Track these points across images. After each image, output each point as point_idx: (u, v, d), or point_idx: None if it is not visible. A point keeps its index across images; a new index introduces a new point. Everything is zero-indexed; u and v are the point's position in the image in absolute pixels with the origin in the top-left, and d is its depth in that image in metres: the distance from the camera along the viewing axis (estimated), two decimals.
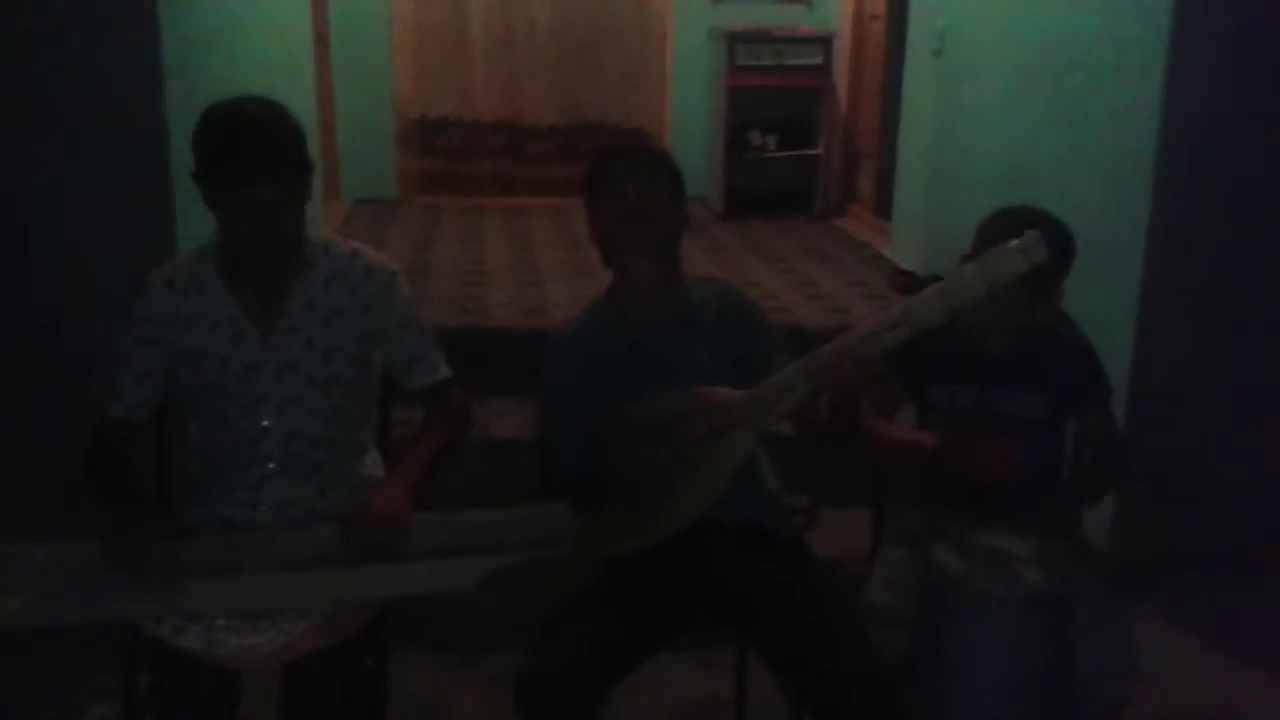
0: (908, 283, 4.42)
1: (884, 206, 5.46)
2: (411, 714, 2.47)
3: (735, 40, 5.77)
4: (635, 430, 1.83)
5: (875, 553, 2.25)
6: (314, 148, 4.97)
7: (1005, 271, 1.63)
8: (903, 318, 1.70)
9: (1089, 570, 2.07)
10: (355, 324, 1.92)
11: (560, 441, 2.02)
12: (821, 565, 2.05)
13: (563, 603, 1.94)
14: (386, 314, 1.94)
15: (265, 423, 1.90)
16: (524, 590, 1.83)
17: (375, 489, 1.84)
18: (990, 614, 1.89)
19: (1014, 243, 1.63)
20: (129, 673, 1.89)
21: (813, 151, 6.13)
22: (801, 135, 6.16)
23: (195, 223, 2.32)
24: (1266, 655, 2.80)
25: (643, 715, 2.43)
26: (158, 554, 1.73)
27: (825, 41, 5.93)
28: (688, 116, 6.28)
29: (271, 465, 1.92)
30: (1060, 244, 2.06)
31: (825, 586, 1.97)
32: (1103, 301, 2.91)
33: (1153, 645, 2.70)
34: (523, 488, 2.21)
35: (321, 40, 5.39)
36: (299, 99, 4.43)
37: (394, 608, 1.96)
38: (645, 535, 1.81)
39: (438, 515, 1.90)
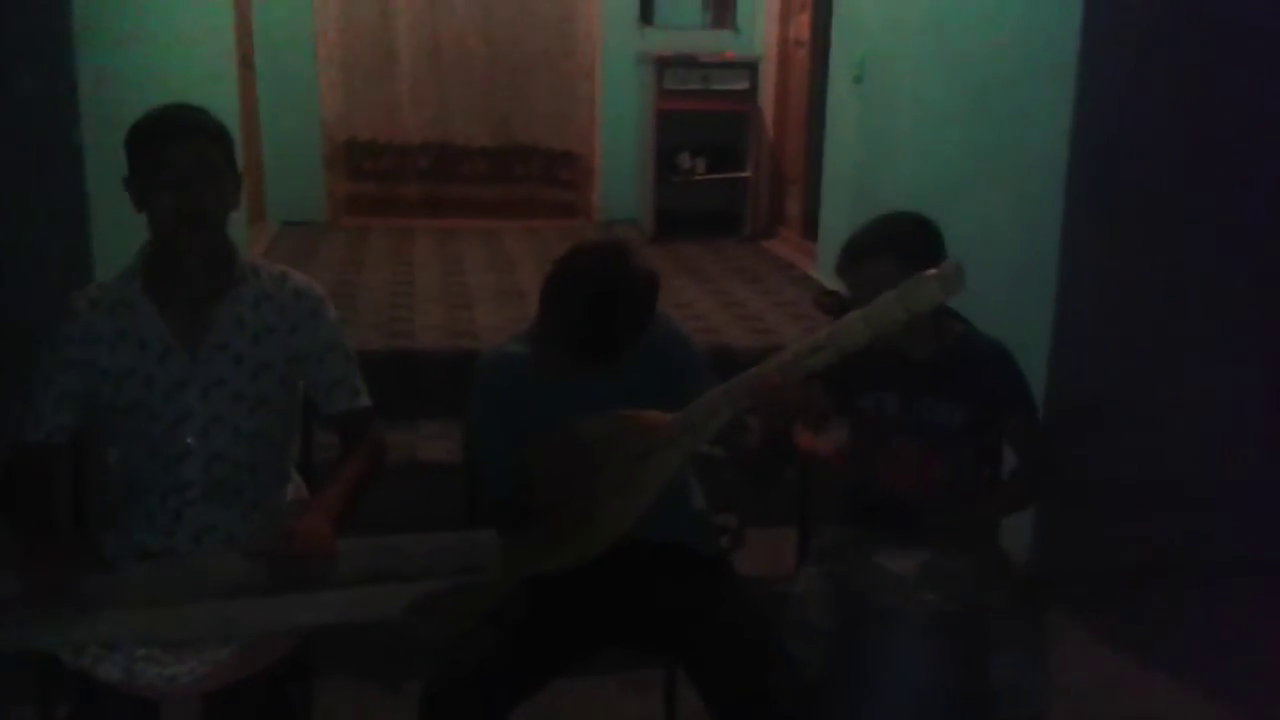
0: (833, 303, 4.48)
1: (811, 229, 5.54)
2: None
3: (663, 65, 5.82)
4: (557, 450, 1.85)
5: (798, 569, 2.27)
6: (238, 159, 4.88)
7: (924, 299, 1.69)
8: (827, 340, 1.75)
9: (1003, 585, 2.10)
10: (284, 344, 1.92)
11: (487, 468, 2.03)
12: (746, 584, 2.07)
13: (479, 618, 1.95)
14: (314, 337, 1.94)
15: (189, 440, 1.88)
16: (450, 615, 1.82)
17: (297, 518, 1.82)
18: (896, 631, 1.91)
19: (932, 271, 1.69)
20: (48, 702, 1.84)
21: (741, 174, 6.20)
22: (730, 159, 6.24)
23: (112, 246, 2.29)
24: (1187, 666, 2.86)
25: None
26: (76, 584, 1.69)
27: (751, 67, 6.02)
28: (617, 139, 6.33)
29: (193, 490, 1.89)
30: (924, 226, 2.21)
31: (748, 606, 1.99)
32: (1018, 320, 2.99)
33: (1074, 658, 2.76)
34: (450, 511, 2.20)
35: (246, 62, 5.34)
36: (224, 119, 4.38)
37: (318, 635, 1.94)
38: (566, 555, 1.81)
39: (363, 540, 1.88)
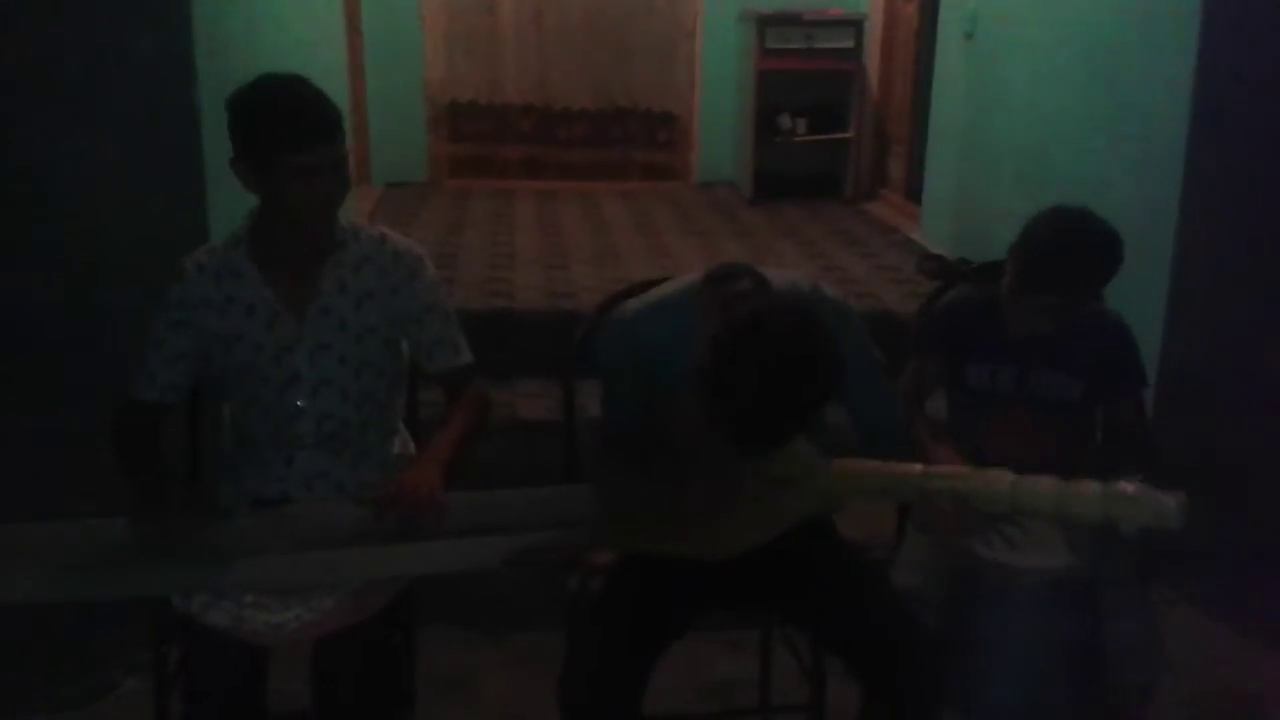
0: (937, 267, 4.40)
1: (914, 191, 5.44)
2: (439, 690, 2.50)
3: (765, 23, 5.74)
4: (702, 440, 1.75)
5: (900, 537, 2.25)
6: (347, 131, 4.98)
7: (1130, 516, 1.60)
8: (1010, 497, 1.65)
9: (1115, 553, 2.06)
10: (385, 306, 1.95)
11: (619, 405, 2.00)
12: (851, 545, 2.06)
13: (595, 590, 1.96)
14: (413, 297, 1.96)
15: (300, 403, 1.94)
16: (548, 567, 1.84)
17: (408, 470, 1.85)
18: (1019, 596, 1.90)
19: (1156, 498, 1.58)
20: (159, 648, 1.92)
21: (843, 135, 6.10)
22: (831, 119, 6.14)
23: (227, 210, 2.34)
24: None
25: (669, 696, 2.44)
26: (189, 532, 1.75)
27: (856, 24, 5.90)
28: (717, 100, 6.27)
29: (303, 441, 1.95)
30: (1111, 254, 2.05)
31: (855, 563, 1.98)
32: (1133, 290, 2.87)
33: (1177, 630, 2.70)
34: (549, 468, 2.23)
35: (353, 25, 5.41)
36: (331, 83, 4.43)
37: (421, 585, 1.99)
38: (678, 547, 1.81)
39: (465, 494, 1.92)
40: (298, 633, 1.72)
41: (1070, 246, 2.02)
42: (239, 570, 1.75)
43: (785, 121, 6.08)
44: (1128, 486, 1.60)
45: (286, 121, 1.77)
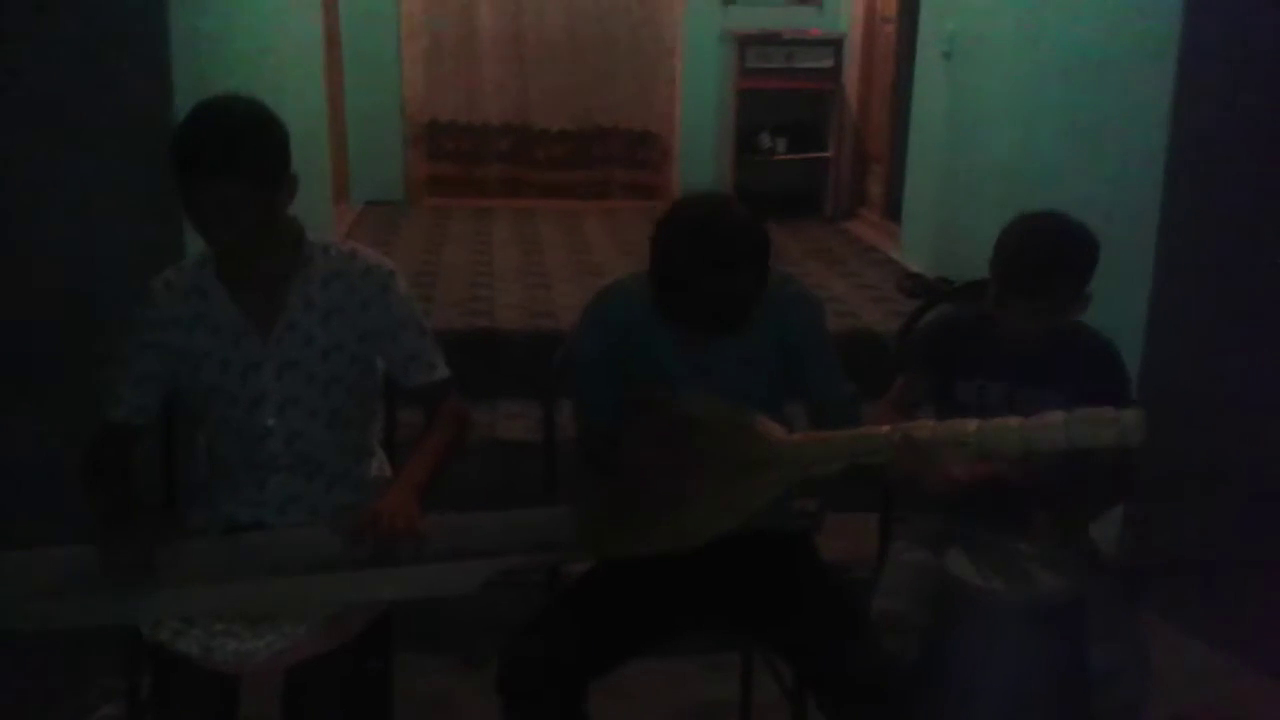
0: (917, 286, 4.41)
1: (893, 209, 5.45)
2: (417, 715, 2.46)
3: (745, 43, 5.77)
4: (661, 415, 1.81)
5: (883, 557, 2.24)
6: (324, 150, 4.95)
7: (1094, 436, 1.62)
8: (975, 438, 1.68)
9: (1100, 574, 2.06)
10: (354, 322, 1.92)
11: (591, 401, 2.01)
12: (829, 568, 2.04)
13: (556, 594, 1.95)
14: (385, 313, 1.94)
15: (269, 422, 1.91)
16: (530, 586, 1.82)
17: (383, 497, 1.82)
18: (1005, 620, 1.88)
19: (1113, 413, 1.61)
20: (133, 675, 1.89)
21: (822, 154, 6.12)
22: (811, 138, 6.16)
23: None
24: (1274, 659, 2.78)
25: (649, 718, 2.42)
26: (159, 558, 1.72)
27: (836, 44, 5.93)
28: (697, 119, 6.28)
29: (276, 464, 1.92)
30: (1083, 246, 2.07)
31: (833, 589, 1.97)
32: (1112, 305, 2.87)
33: (1160, 649, 2.68)
34: (529, 489, 2.21)
35: (332, 41, 5.40)
36: (309, 100, 4.43)
37: (397, 611, 1.96)
38: (655, 541, 1.79)
39: (443, 517, 1.89)
40: (269, 661, 1.68)
41: (1040, 243, 2.05)
42: (208, 597, 1.72)
43: (765, 140, 6.10)
44: (1084, 411, 1.64)
45: (181, 151, 1.73)
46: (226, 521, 1.93)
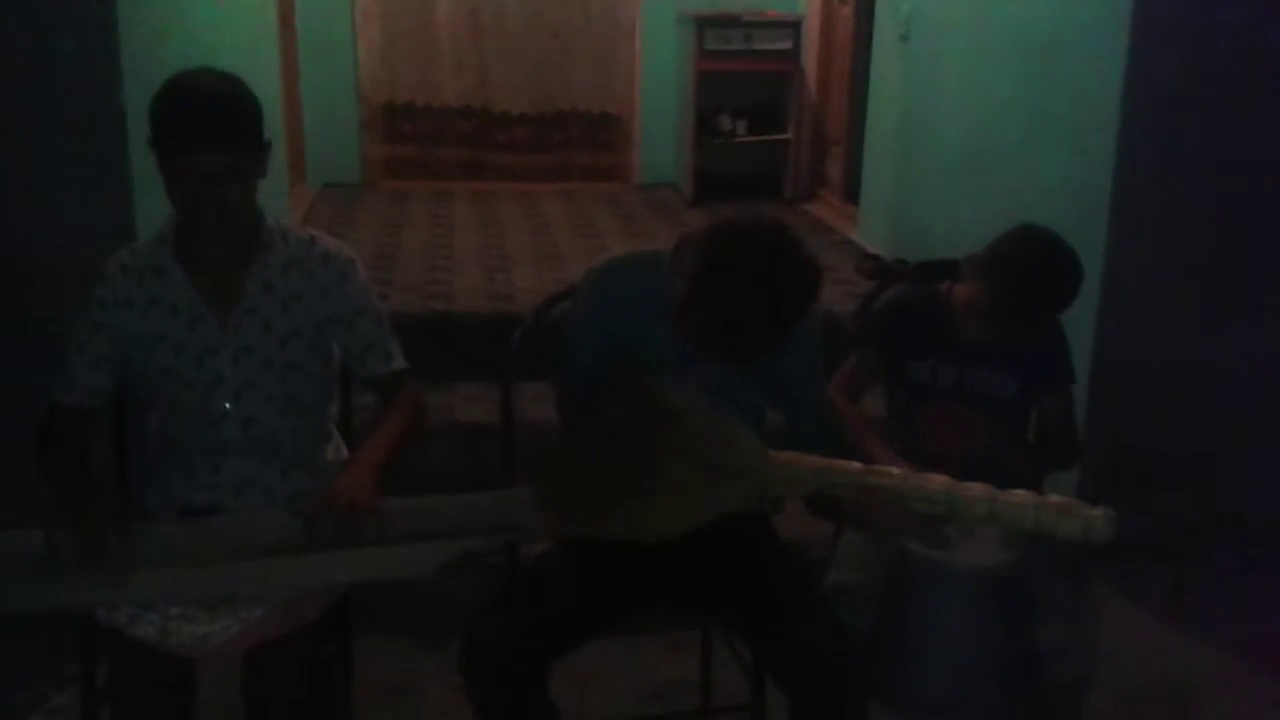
0: (875, 267, 4.44)
1: (852, 191, 5.48)
2: (376, 701, 2.47)
3: (704, 24, 5.75)
4: (653, 409, 1.79)
5: (839, 535, 2.26)
6: (280, 131, 4.88)
7: (1060, 528, 1.62)
8: (945, 501, 1.68)
9: (1048, 549, 2.09)
10: (313, 309, 1.91)
11: (576, 356, 1.99)
12: (786, 547, 2.06)
13: (515, 575, 1.95)
14: (343, 301, 1.93)
15: (225, 406, 1.89)
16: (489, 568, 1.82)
17: (341, 476, 1.81)
18: (950, 591, 1.92)
19: (1086, 510, 1.61)
20: (88, 662, 1.87)
21: (782, 136, 6.13)
22: (771, 120, 6.17)
23: (154, 208, 2.29)
24: (1225, 633, 2.83)
25: (610, 697, 2.44)
26: (111, 542, 1.70)
27: (794, 26, 5.93)
28: (657, 101, 6.27)
29: (230, 447, 1.91)
30: (1073, 282, 2.09)
31: (792, 568, 1.99)
32: None
33: (1112, 624, 2.74)
34: (488, 473, 2.21)
35: (286, 23, 5.33)
36: (263, 82, 4.37)
37: (356, 594, 1.96)
38: (615, 528, 1.80)
39: (400, 500, 1.89)
40: (226, 645, 1.67)
41: (1056, 284, 2.09)
42: (163, 581, 1.70)
43: (725, 123, 6.10)
44: (1057, 498, 1.64)
45: (175, 121, 1.72)
46: (181, 505, 1.91)
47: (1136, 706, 2.59)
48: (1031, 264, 2.07)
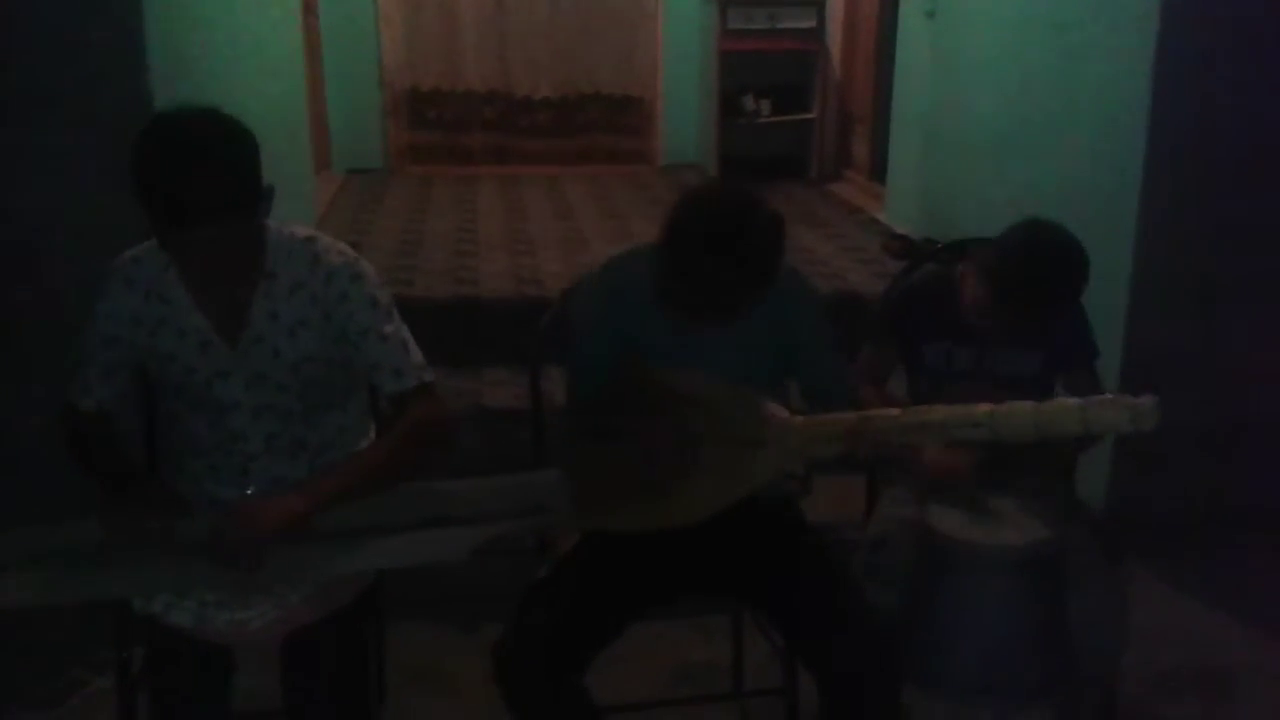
0: (903, 247, 4.41)
1: (879, 171, 5.44)
2: (410, 684, 2.48)
3: (727, 4, 5.71)
4: (652, 391, 1.80)
5: (870, 517, 2.25)
6: (305, 119, 4.87)
7: (1107, 423, 1.62)
8: (987, 420, 1.67)
9: (1081, 527, 2.08)
10: (321, 332, 1.83)
11: (582, 363, 2.00)
12: (815, 530, 2.06)
13: (548, 567, 1.95)
14: (348, 320, 1.83)
15: (241, 422, 1.85)
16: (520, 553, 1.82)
17: (259, 501, 1.71)
18: (984, 572, 1.91)
19: (1128, 399, 1.61)
20: (123, 648, 1.89)
21: (807, 116, 6.09)
22: (795, 99, 6.13)
23: None
24: (1261, 614, 2.81)
25: (640, 680, 2.44)
26: (159, 529, 1.69)
27: (818, 4, 5.89)
28: (680, 83, 6.24)
29: (255, 448, 1.87)
30: (1080, 275, 2.05)
31: (821, 550, 1.98)
32: (1096, 264, 2.89)
33: (1148, 605, 2.72)
34: (516, 456, 2.21)
35: (309, 10, 5.34)
36: (287, 70, 4.39)
37: (390, 579, 1.97)
38: (643, 517, 1.80)
39: (428, 484, 1.89)
40: (262, 631, 1.69)
41: (1057, 287, 2.04)
42: (200, 569, 1.71)
43: (749, 103, 6.07)
44: (1100, 397, 1.64)
45: (156, 192, 1.57)
46: (210, 499, 1.88)
47: (1171, 689, 2.57)
48: (1033, 265, 2.02)
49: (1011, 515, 1.96)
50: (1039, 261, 2.02)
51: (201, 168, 1.57)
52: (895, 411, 1.73)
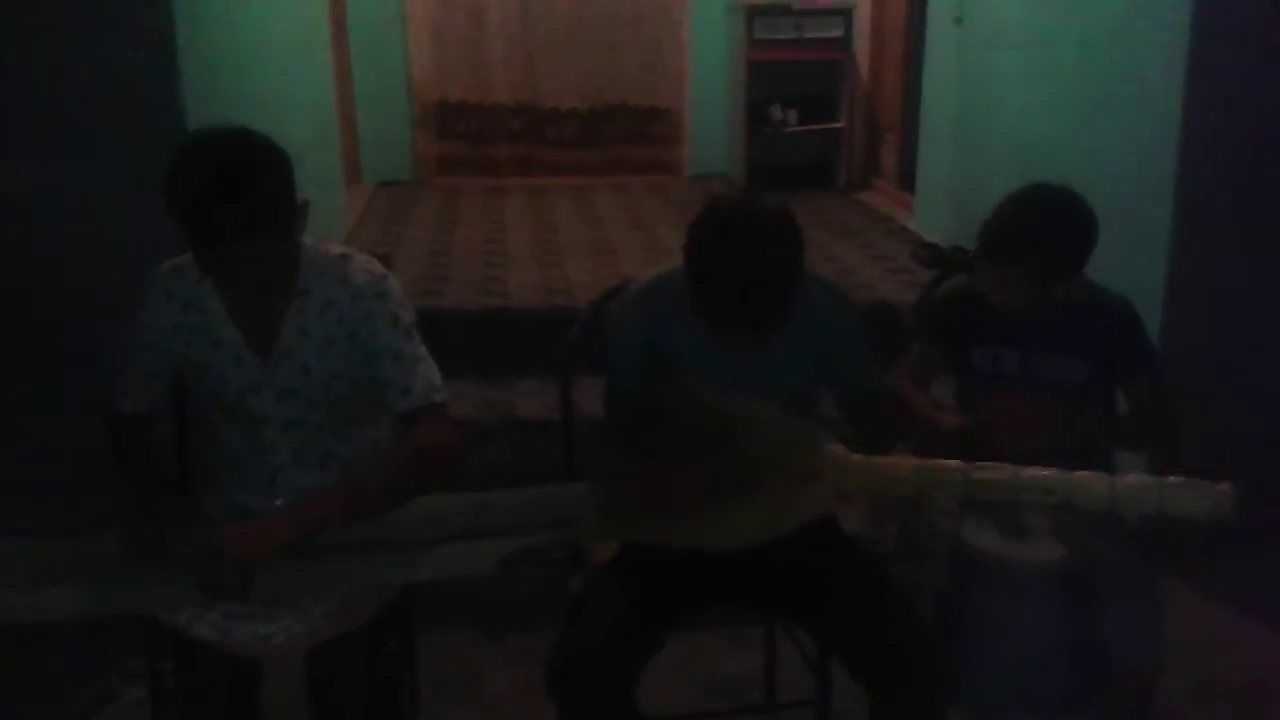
0: (932, 255, 4.38)
1: (907, 179, 5.42)
2: (441, 694, 2.48)
3: (754, 14, 5.72)
4: (727, 423, 1.79)
5: (904, 529, 2.24)
6: (336, 132, 4.91)
7: (1185, 507, 1.60)
8: (1060, 487, 1.64)
9: (1115, 538, 2.05)
10: (347, 350, 1.85)
11: (622, 385, 2.00)
12: (852, 539, 2.04)
13: (591, 579, 1.94)
14: (370, 338, 1.84)
15: (270, 435, 1.88)
16: (547, 567, 1.82)
17: (245, 525, 1.70)
18: (1017, 587, 1.89)
19: (1209, 487, 1.60)
20: (155, 659, 1.90)
21: (834, 125, 6.07)
22: (823, 109, 6.11)
23: None
24: None
25: (675, 692, 2.43)
26: (180, 544, 1.69)
27: (845, 13, 5.87)
28: (707, 93, 6.24)
29: (283, 460, 1.90)
30: (1086, 229, 2.04)
31: (864, 561, 1.96)
32: (1130, 272, 2.86)
33: (1184, 616, 2.68)
34: (547, 468, 2.21)
35: (338, 23, 5.38)
36: (317, 82, 4.42)
37: (417, 590, 1.97)
38: (682, 538, 1.80)
39: (457, 496, 1.89)
40: (287, 644, 1.69)
41: (1015, 212, 2.04)
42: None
43: (776, 112, 6.06)
44: (1176, 479, 1.61)
45: (191, 211, 1.60)
46: (240, 510, 1.90)
47: (1204, 698, 2.53)
48: (1003, 202, 2.04)
49: (1043, 529, 1.94)
50: (1014, 202, 2.04)
51: (234, 190, 1.59)
52: (955, 464, 1.69)
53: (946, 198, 4.68)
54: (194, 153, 1.64)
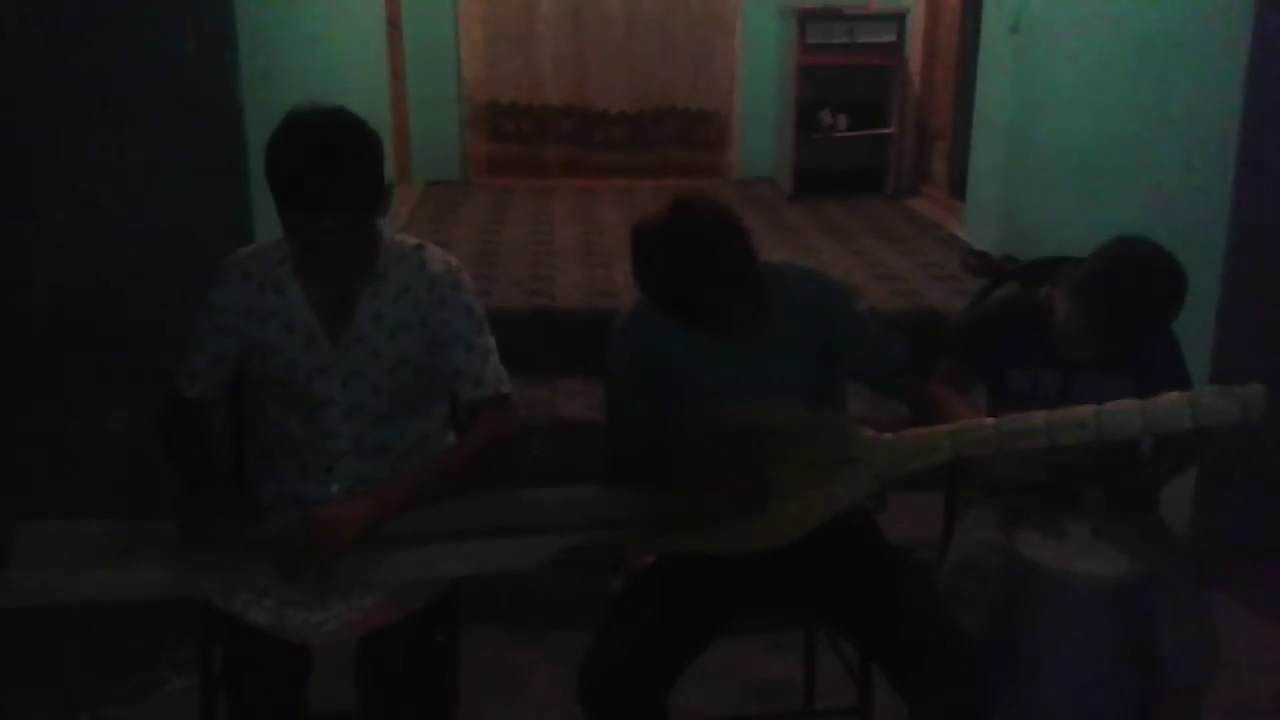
0: (982, 264, 4.35)
1: (957, 186, 5.38)
2: (482, 688, 2.50)
3: (805, 19, 5.70)
4: (716, 427, 1.81)
5: (947, 538, 2.22)
6: (388, 131, 4.96)
7: (1217, 414, 1.62)
8: (1093, 420, 1.66)
9: (1168, 554, 2.02)
10: (418, 336, 1.90)
11: (624, 419, 2.03)
12: (895, 547, 2.03)
13: (628, 585, 1.95)
14: (444, 326, 1.90)
15: (332, 420, 1.92)
16: (589, 568, 1.83)
17: (333, 506, 1.76)
18: (1064, 600, 1.87)
19: (1236, 389, 1.61)
20: (206, 646, 1.93)
21: (884, 131, 6.05)
22: (873, 114, 6.09)
23: (270, 204, 2.35)
24: None
25: (713, 697, 2.43)
26: (232, 531, 1.75)
27: (898, 19, 5.84)
28: (757, 97, 6.24)
29: (343, 446, 1.93)
30: (1176, 291, 1.99)
31: (904, 568, 1.96)
32: None
33: (1231, 632, 2.64)
34: (590, 467, 2.22)
35: (393, 24, 5.44)
36: (372, 82, 4.48)
37: (463, 584, 1.99)
38: (734, 543, 1.80)
39: (503, 493, 1.91)
40: (338, 632, 1.71)
41: (1151, 306, 1.99)
42: (272, 570, 1.74)
43: (826, 117, 6.04)
44: (1207, 389, 1.64)
45: (296, 178, 1.68)
46: (294, 499, 1.94)
47: (1252, 712, 2.51)
48: (1127, 283, 1.96)
49: (1101, 542, 1.92)
50: (1136, 275, 1.97)
51: (333, 160, 1.68)
52: (990, 421, 1.71)
53: (997, 206, 4.64)
54: (295, 125, 1.71)
